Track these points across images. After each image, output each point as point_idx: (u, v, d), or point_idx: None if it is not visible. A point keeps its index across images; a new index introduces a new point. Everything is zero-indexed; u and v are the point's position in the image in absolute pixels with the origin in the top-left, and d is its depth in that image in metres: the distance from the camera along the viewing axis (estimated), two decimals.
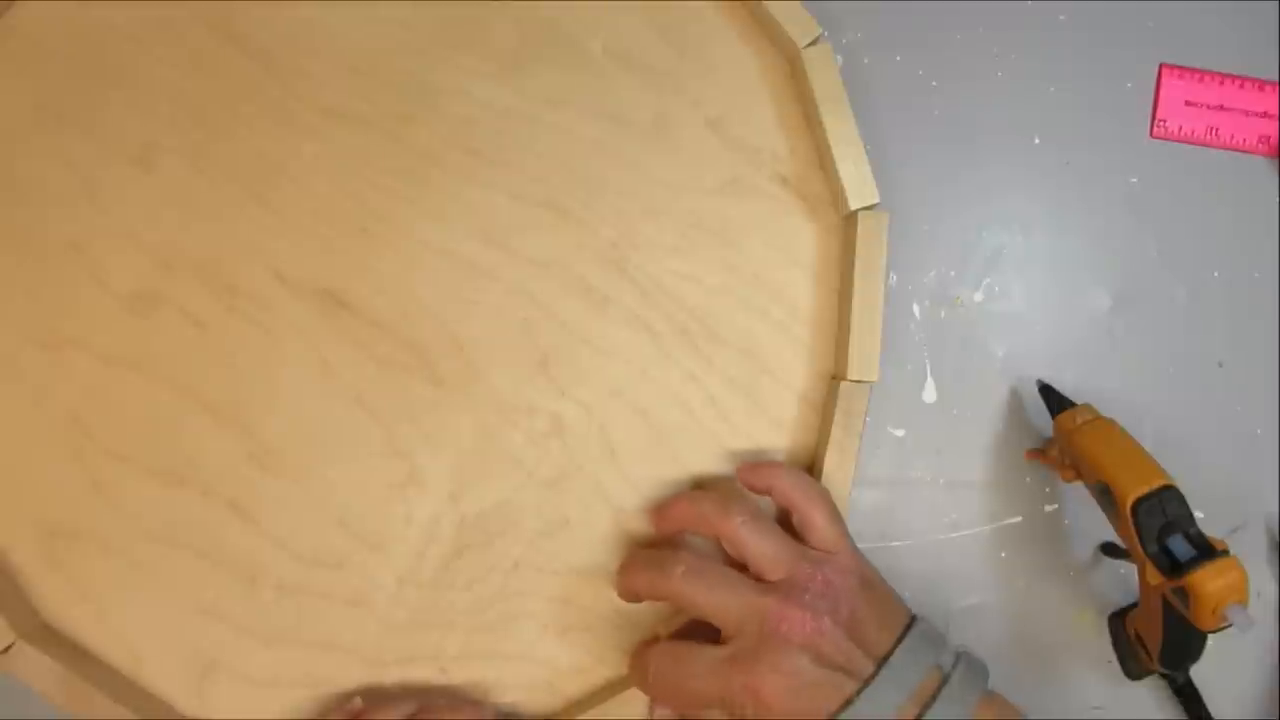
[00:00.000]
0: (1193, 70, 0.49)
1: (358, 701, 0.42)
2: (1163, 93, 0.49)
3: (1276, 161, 0.49)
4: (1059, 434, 0.45)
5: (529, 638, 0.44)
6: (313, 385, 0.44)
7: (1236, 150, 0.49)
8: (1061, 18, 0.49)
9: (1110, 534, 0.45)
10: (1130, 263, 0.49)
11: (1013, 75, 0.49)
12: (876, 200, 0.44)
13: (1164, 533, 0.40)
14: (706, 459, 0.46)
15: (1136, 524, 0.40)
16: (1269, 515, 0.48)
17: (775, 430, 0.46)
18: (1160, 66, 0.49)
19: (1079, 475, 0.44)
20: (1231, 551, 0.39)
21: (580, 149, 0.46)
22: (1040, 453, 0.47)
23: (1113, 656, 0.47)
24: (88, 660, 0.43)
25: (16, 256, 0.44)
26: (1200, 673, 0.45)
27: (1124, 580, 0.48)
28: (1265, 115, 0.49)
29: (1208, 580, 0.38)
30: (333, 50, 0.45)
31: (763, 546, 0.39)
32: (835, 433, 0.44)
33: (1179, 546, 0.40)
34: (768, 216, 0.46)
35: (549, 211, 0.46)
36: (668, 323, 0.46)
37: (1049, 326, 0.49)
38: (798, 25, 0.44)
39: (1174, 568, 0.40)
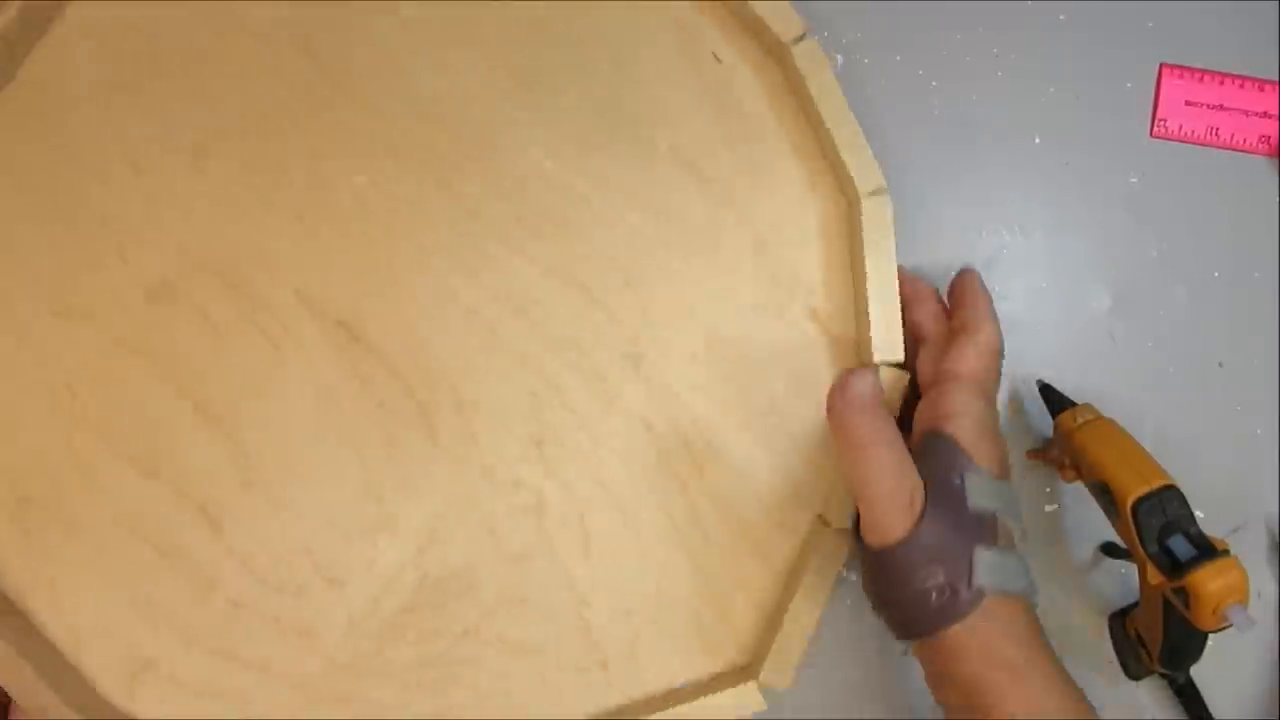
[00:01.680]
0: (1193, 70, 0.49)
1: None
2: (1163, 93, 0.49)
3: (1276, 161, 0.49)
4: (1059, 434, 0.45)
5: (464, 705, 0.44)
6: (308, 411, 0.44)
7: (1237, 150, 0.49)
8: (1061, 18, 0.49)
9: (1110, 534, 0.45)
10: (1130, 263, 0.49)
11: (1013, 75, 0.49)
12: (901, 358, 0.44)
13: (1164, 532, 0.40)
14: (678, 574, 0.45)
15: (1137, 523, 0.40)
16: (1269, 515, 0.48)
17: (757, 558, 0.45)
18: (1160, 66, 0.49)
19: (1079, 475, 0.44)
20: (1232, 551, 0.39)
21: (624, 239, 0.46)
22: (1040, 453, 0.47)
23: (1113, 656, 0.47)
24: (31, 634, 0.42)
25: (50, 222, 0.44)
26: (1200, 673, 0.45)
27: (1124, 580, 0.48)
28: (1265, 115, 0.49)
29: (1208, 580, 0.38)
30: (406, 88, 0.45)
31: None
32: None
33: (1179, 546, 0.40)
34: (792, 348, 0.46)
35: (579, 293, 0.46)
36: (669, 428, 0.45)
37: (1049, 326, 0.49)
38: (865, 174, 0.44)
39: (1174, 567, 0.40)
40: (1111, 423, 0.44)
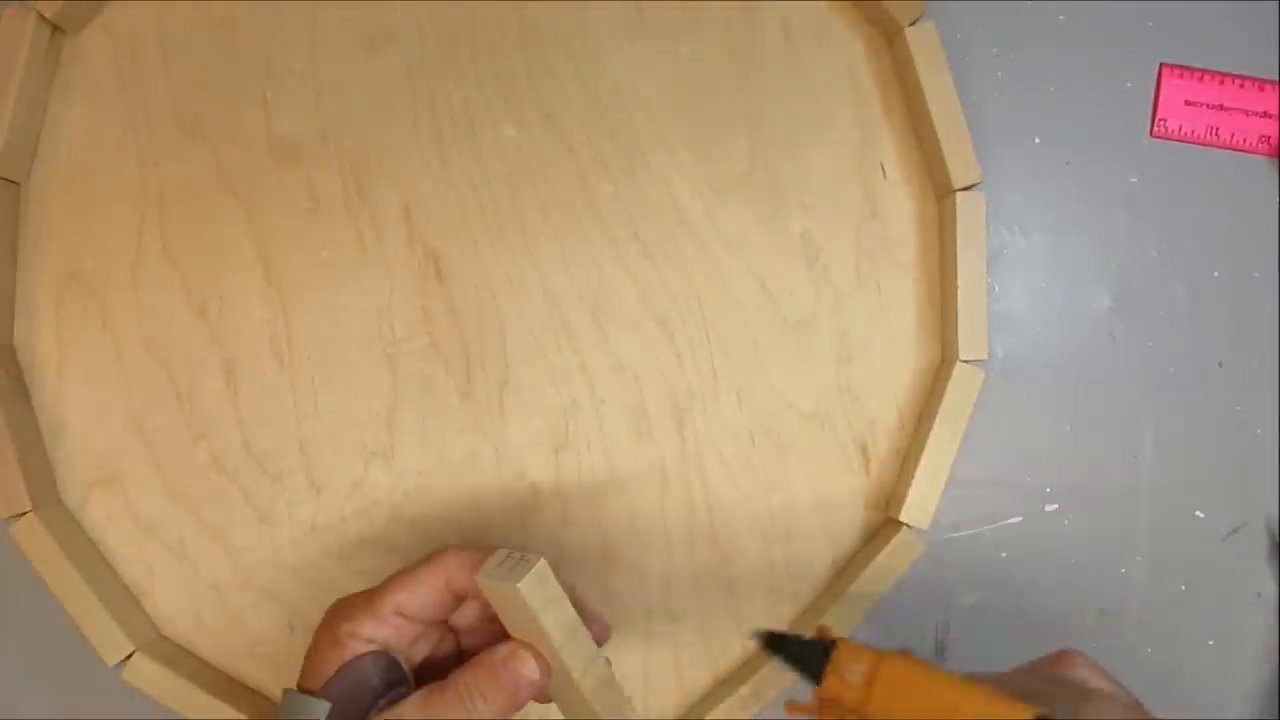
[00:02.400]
0: (1193, 70, 0.49)
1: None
2: (1163, 93, 0.49)
3: (1276, 161, 0.49)
4: (835, 704, 0.31)
5: None
6: (365, 319, 0.45)
7: (1237, 150, 0.49)
8: (1061, 18, 0.49)
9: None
10: (1130, 263, 0.49)
11: (1013, 75, 0.49)
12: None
13: None
14: (633, 620, 0.45)
15: None
16: (1269, 515, 0.48)
17: (706, 654, 0.46)
18: (1160, 66, 0.49)
19: None
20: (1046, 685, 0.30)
21: (723, 296, 0.46)
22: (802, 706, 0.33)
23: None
24: (23, 410, 0.44)
25: (215, 46, 0.45)
26: (1200, 672, 0.45)
27: (1124, 580, 0.48)
28: (1265, 115, 0.49)
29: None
30: (589, 68, 0.46)
31: None
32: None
33: None
34: (828, 472, 0.46)
35: (659, 328, 0.46)
36: (684, 490, 0.46)
37: (1049, 326, 0.49)
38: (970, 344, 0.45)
39: None
40: (910, 661, 0.30)
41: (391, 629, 0.35)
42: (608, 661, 0.36)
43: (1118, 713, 0.30)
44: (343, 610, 0.35)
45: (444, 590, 0.35)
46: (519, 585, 0.32)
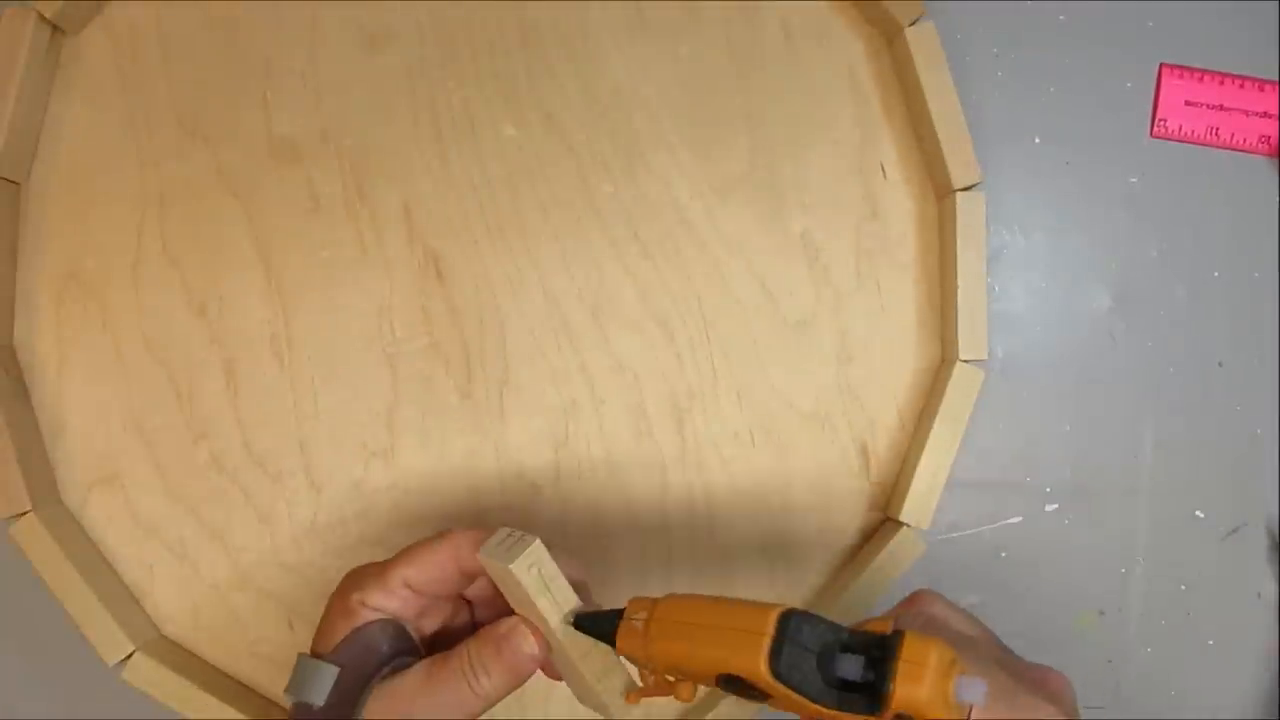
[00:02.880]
0: (1193, 70, 0.49)
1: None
2: (1163, 93, 0.49)
3: (1276, 161, 0.49)
4: (631, 655, 0.32)
5: None
6: (365, 318, 0.45)
7: (1237, 150, 0.49)
8: (1061, 18, 0.49)
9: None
10: (1130, 263, 0.49)
11: (1013, 75, 0.49)
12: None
13: (822, 665, 0.28)
14: None
15: (786, 680, 0.28)
16: (1269, 515, 0.48)
17: None
18: (1160, 66, 0.49)
19: (690, 678, 0.31)
20: (905, 624, 0.29)
21: (723, 296, 0.46)
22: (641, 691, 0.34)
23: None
24: (23, 409, 0.43)
25: (214, 45, 0.45)
26: (1200, 672, 0.45)
27: (1124, 580, 0.48)
28: (1265, 115, 0.49)
29: (912, 683, 0.26)
30: (590, 68, 0.46)
31: None
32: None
33: (848, 667, 0.27)
34: (826, 471, 0.46)
35: (659, 328, 0.46)
36: (684, 490, 0.46)
37: (1049, 326, 0.49)
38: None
39: (871, 696, 0.27)
40: (681, 597, 0.31)
41: (399, 601, 0.35)
42: (613, 647, 0.34)
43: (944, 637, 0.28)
44: (355, 580, 0.36)
45: (452, 568, 0.35)
46: (511, 566, 0.32)
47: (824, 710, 0.27)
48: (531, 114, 0.46)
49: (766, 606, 0.29)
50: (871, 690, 0.27)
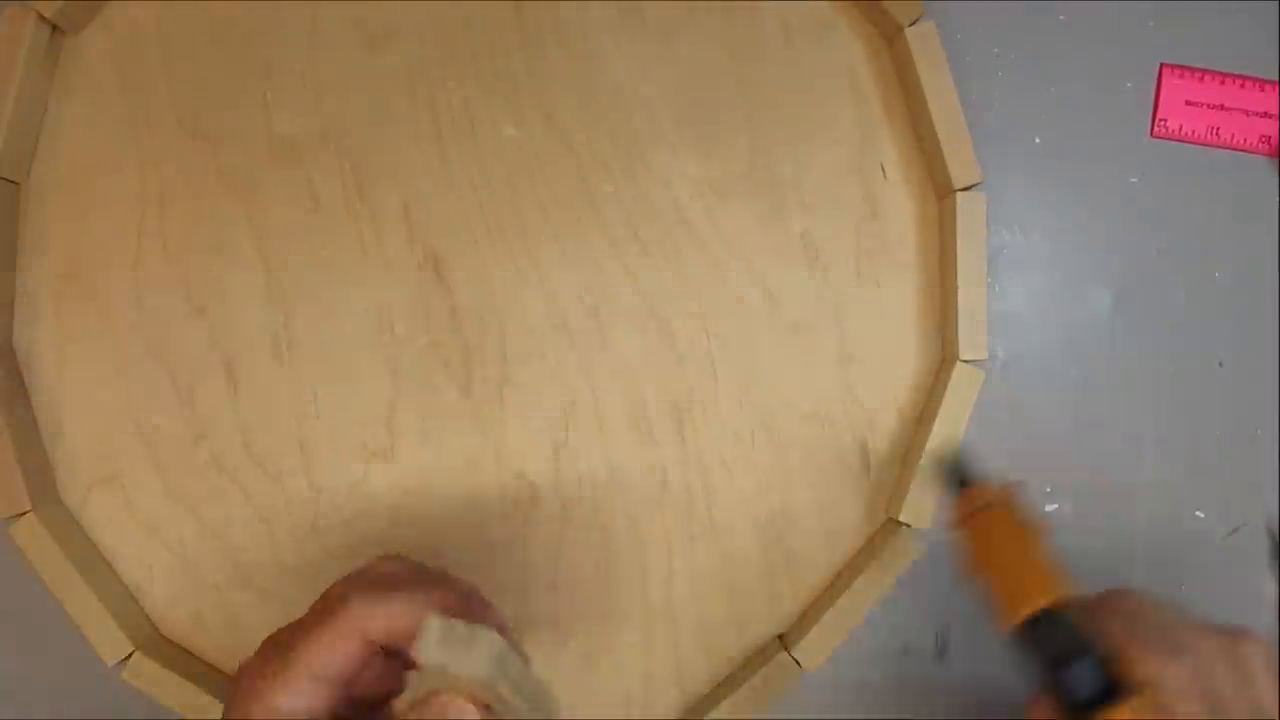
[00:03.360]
0: (1193, 70, 0.49)
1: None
2: (1163, 93, 0.49)
3: (1276, 161, 0.49)
4: (955, 516, 0.39)
5: None
6: (365, 318, 0.45)
7: (1237, 150, 0.49)
8: (1061, 18, 0.49)
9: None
10: (1130, 263, 0.49)
11: (1013, 75, 0.49)
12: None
13: (1060, 662, 0.32)
14: (626, 634, 0.45)
15: (1028, 648, 0.33)
16: (1269, 515, 0.48)
17: (703, 654, 0.46)
18: (1160, 66, 0.49)
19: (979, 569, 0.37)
20: (1146, 687, 0.32)
21: (723, 295, 0.46)
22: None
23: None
24: (21, 410, 0.43)
25: (215, 44, 0.45)
26: None
27: (1125, 580, 0.48)
28: (1266, 115, 0.49)
29: None
30: (590, 67, 0.45)
31: None
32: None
33: (1082, 678, 0.32)
34: (826, 474, 0.46)
35: (659, 327, 0.46)
36: (683, 491, 0.46)
37: (1049, 326, 0.49)
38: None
39: (1074, 706, 0.32)
40: (1020, 516, 0.37)
41: (308, 699, 0.30)
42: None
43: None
44: (252, 684, 0.31)
45: (357, 647, 0.31)
46: (471, 676, 0.28)
47: (1040, 683, 0.32)
48: (531, 114, 0.46)
49: (1056, 584, 0.33)
50: (1077, 708, 0.31)
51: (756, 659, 0.45)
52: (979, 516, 0.37)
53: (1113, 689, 0.31)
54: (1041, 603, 0.33)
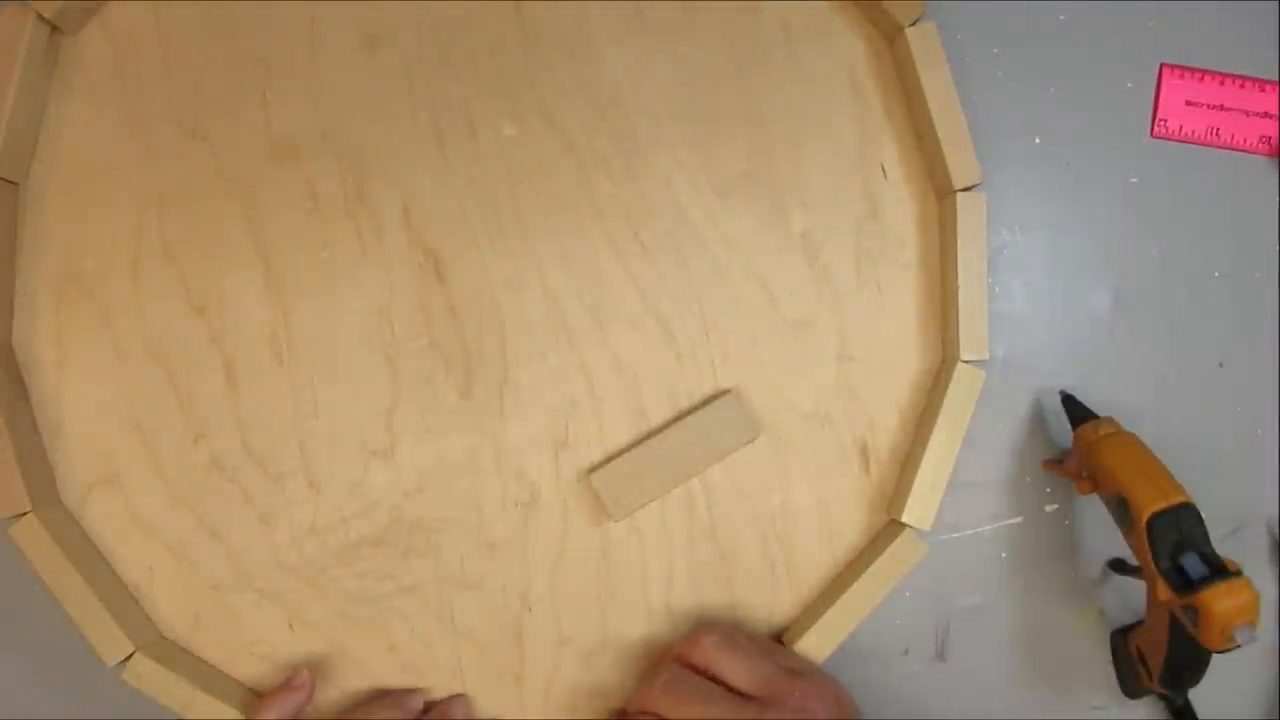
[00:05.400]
0: (1193, 70, 0.49)
1: (305, 674, 0.43)
2: (1163, 93, 0.49)
3: (1276, 161, 0.49)
4: (1079, 445, 0.45)
5: (376, 652, 0.45)
6: (365, 318, 0.45)
7: (1237, 150, 0.49)
8: (1061, 18, 0.49)
9: (1119, 550, 0.45)
10: (1130, 263, 0.49)
11: (1013, 75, 0.49)
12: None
13: (1178, 549, 0.40)
14: (624, 630, 0.45)
15: (1152, 538, 0.40)
16: (1269, 515, 0.48)
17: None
18: (1160, 66, 0.49)
19: (1096, 487, 0.44)
20: (1245, 573, 0.39)
21: (724, 295, 0.46)
22: (1057, 464, 0.47)
23: (1112, 674, 0.47)
24: (21, 409, 0.43)
25: (214, 43, 0.45)
26: None
27: (1125, 582, 0.48)
28: (1266, 115, 0.49)
29: (1219, 599, 0.38)
30: (589, 67, 0.46)
31: (734, 663, 0.40)
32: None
33: (1192, 564, 0.40)
34: (826, 472, 0.46)
35: (659, 326, 0.46)
36: (685, 494, 0.46)
37: (1049, 326, 0.49)
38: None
39: (1185, 585, 0.39)
40: (1133, 437, 0.43)
41: None
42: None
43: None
44: None
45: None
46: None
47: (1152, 567, 0.40)
48: (531, 114, 0.45)
49: (1180, 489, 0.41)
50: (1188, 585, 0.39)
51: None
52: (1106, 440, 0.43)
53: (1216, 574, 0.39)
54: (1175, 499, 0.40)
